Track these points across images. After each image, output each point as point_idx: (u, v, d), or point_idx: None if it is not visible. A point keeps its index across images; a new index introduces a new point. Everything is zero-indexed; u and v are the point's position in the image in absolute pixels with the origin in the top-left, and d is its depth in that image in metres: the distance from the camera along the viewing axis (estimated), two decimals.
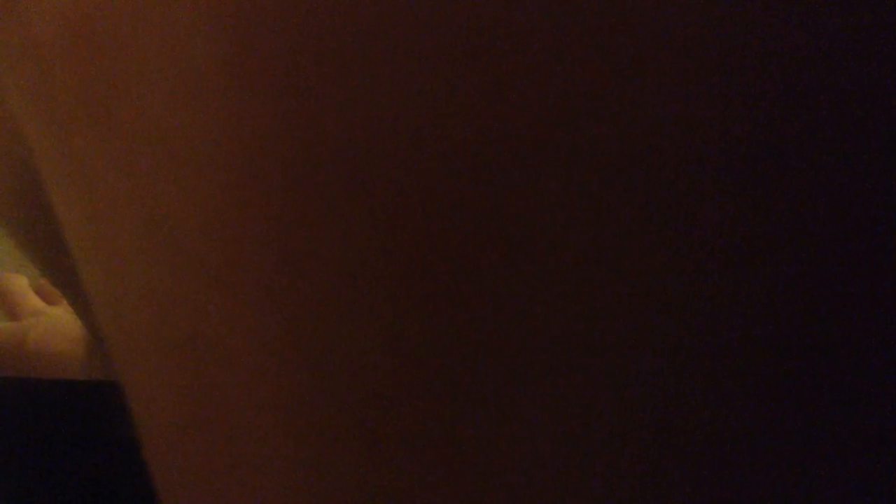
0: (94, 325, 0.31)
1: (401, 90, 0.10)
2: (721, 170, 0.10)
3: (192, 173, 0.12)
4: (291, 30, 0.10)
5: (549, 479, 0.11)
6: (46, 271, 0.30)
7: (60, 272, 0.30)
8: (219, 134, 0.11)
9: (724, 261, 0.10)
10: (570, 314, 0.10)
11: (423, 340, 0.11)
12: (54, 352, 0.42)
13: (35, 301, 0.49)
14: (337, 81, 0.10)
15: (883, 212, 0.10)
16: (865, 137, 0.10)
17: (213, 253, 0.12)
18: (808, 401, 0.11)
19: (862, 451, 0.11)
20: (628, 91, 0.10)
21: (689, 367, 0.11)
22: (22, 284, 0.51)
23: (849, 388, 0.11)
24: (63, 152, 0.14)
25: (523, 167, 0.10)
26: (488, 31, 0.10)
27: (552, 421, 0.11)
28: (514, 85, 0.10)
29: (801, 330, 0.10)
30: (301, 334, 0.12)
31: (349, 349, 0.11)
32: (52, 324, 0.44)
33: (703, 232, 0.10)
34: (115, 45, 0.12)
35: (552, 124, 0.10)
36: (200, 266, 0.12)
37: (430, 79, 0.10)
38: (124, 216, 0.13)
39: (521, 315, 0.11)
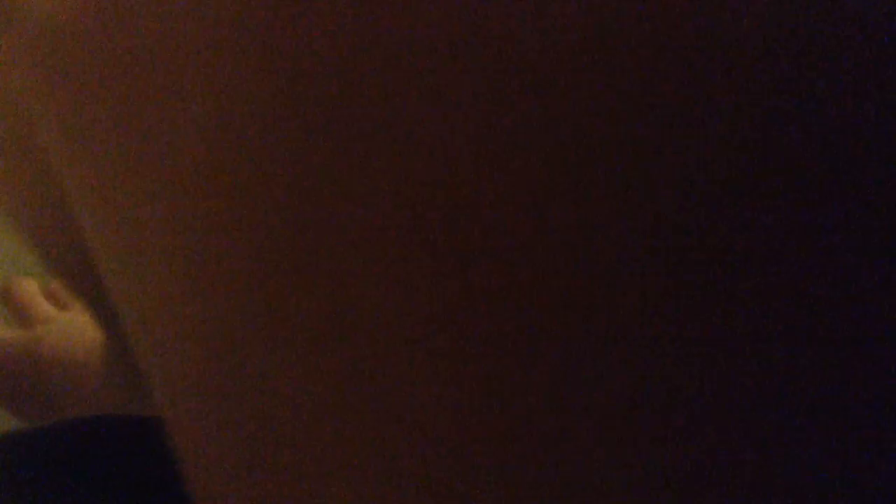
0: (116, 333, 0.30)
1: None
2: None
3: (232, 206, 0.11)
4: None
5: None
6: (66, 277, 0.29)
7: (82, 280, 0.29)
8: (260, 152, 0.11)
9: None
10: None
11: (488, 374, 0.11)
12: (70, 360, 0.40)
13: (46, 307, 0.48)
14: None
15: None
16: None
17: (260, 284, 0.11)
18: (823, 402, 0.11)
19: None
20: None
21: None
22: (32, 289, 0.50)
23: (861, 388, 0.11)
24: (91, 177, 0.13)
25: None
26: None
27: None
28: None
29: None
30: (360, 368, 0.11)
31: (410, 383, 0.11)
32: (65, 330, 0.42)
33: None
34: (138, 33, 0.12)
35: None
36: (247, 299, 0.12)
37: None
38: (160, 249, 0.12)
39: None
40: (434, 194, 0.10)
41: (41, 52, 0.13)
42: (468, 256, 0.10)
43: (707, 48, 0.10)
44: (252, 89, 0.11)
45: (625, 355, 0.10)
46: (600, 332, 0.10)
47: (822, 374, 0.10)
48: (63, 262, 0.28)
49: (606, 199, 0.10)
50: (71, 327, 0.43)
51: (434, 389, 0.11)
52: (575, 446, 0.11)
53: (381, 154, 0.11)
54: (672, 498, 0.11)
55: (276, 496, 0.12)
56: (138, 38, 0.12)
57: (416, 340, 0.11)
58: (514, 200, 0.10)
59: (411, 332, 0.11)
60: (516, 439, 0.11)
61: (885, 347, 0.10)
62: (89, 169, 0.13)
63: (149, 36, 0.11)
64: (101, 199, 0.13)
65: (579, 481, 0.11)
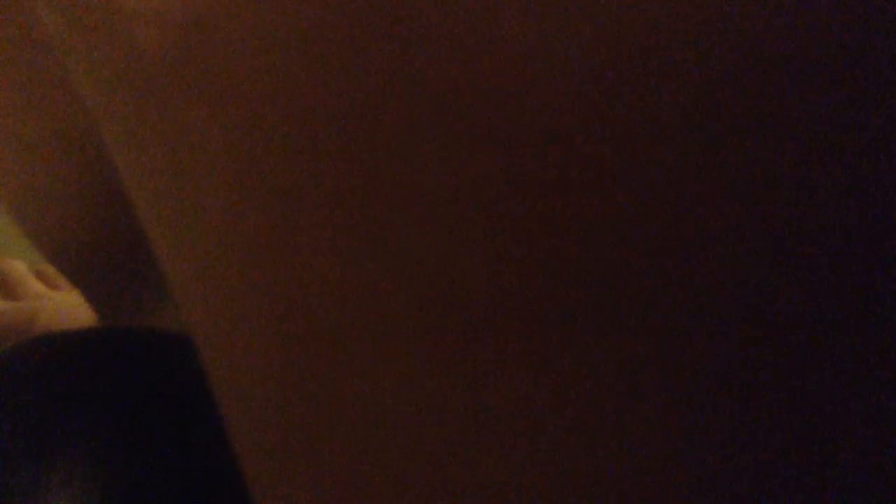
0: (106, 315, 0.31)
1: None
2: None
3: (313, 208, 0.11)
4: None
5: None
6: (59, 263, 0.30)
7: (76, 266, 0.30)
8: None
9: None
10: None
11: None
12: None
13: (36, 285, 0.49)
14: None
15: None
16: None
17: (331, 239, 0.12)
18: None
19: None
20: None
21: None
22: (21, 268, 0.50)
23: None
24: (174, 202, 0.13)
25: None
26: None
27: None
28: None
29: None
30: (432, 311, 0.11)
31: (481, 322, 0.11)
32: (62, 306, 0.43)
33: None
34: (233, 62, 0.11)
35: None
36: (317, 250, 0.12)
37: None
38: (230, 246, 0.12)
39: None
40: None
41: (133, 77, 0.13)
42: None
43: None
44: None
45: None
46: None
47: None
48: (58, 248, 0.29)
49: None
50: (63, 303, 0.44)
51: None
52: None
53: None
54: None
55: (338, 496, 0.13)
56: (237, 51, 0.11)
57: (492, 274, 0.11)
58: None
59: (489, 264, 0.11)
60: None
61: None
62: (160, 181, 0.13)
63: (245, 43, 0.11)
64: (171, 209, 0.13)
65: None
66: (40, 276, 0.51)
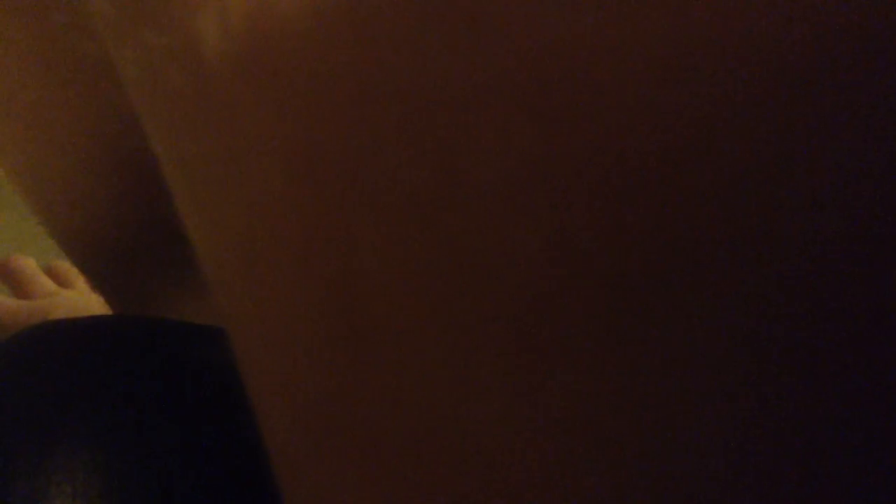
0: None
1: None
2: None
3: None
4: None
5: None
6: (78, 259, 0.30)
7: (93, 261, 0.30)
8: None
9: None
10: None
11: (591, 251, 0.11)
12: None
13: (47, 283, 0.49)
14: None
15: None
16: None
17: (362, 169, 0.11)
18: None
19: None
20: None
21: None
22: (32, 265, 0.50)
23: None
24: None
25: None
26: None
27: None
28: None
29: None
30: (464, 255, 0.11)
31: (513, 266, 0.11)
32: (75, 304, 0.43)
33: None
34: (300, 54, 0.11)
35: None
36: (350, 188, 0.11)
37: None
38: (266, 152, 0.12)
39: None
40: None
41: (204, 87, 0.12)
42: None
43: None
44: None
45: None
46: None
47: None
48: (82, 242, 0.29)
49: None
50: (77, 301, 0.44)
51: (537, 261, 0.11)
52: None
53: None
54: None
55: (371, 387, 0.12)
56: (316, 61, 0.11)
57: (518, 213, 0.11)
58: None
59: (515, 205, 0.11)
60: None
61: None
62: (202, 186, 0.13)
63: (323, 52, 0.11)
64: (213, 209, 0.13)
65: None
66: (51, 273, 0.51)
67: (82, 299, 0.44)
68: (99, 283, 0.32)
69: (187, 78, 0.12)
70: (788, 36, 0.10)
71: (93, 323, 0.26)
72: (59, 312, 0.43)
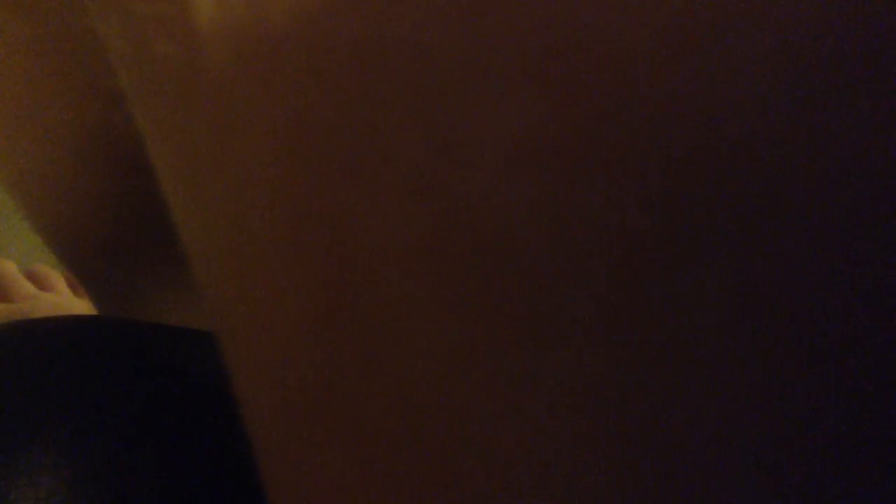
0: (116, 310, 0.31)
1: None
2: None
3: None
4: None
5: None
6: (68, 262, 0.30)
7: (84, 264, 0.30)
8: None
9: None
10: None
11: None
12: None
13: (28, 286, 0.48)
14: None
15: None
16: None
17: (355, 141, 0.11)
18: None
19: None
20: None
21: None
22: (12, 269, 0.50)
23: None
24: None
25: None
26: None
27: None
28: None
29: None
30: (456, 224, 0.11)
31: (510, 233, 0.11)
32: (57, 307, 0.43)
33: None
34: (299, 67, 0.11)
35: None
36: (341, 157, 0.11)
37: None
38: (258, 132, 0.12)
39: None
40: None
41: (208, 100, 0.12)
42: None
43: None
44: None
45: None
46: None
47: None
48: (69, 242, 0.29)
49: None
50: (58, 304, 0.44)
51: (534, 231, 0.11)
52: None
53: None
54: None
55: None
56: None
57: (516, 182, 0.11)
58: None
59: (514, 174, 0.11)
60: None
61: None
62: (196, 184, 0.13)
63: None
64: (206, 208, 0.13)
65: None
66: (32, 277, 0.50)
67: (64, 302, 0.44)
68: (84, 280, 0.32)
69: (176, 48, 0.12)
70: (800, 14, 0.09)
71: (66, 324, 0.26)
72: (39, 315, 0.42)
